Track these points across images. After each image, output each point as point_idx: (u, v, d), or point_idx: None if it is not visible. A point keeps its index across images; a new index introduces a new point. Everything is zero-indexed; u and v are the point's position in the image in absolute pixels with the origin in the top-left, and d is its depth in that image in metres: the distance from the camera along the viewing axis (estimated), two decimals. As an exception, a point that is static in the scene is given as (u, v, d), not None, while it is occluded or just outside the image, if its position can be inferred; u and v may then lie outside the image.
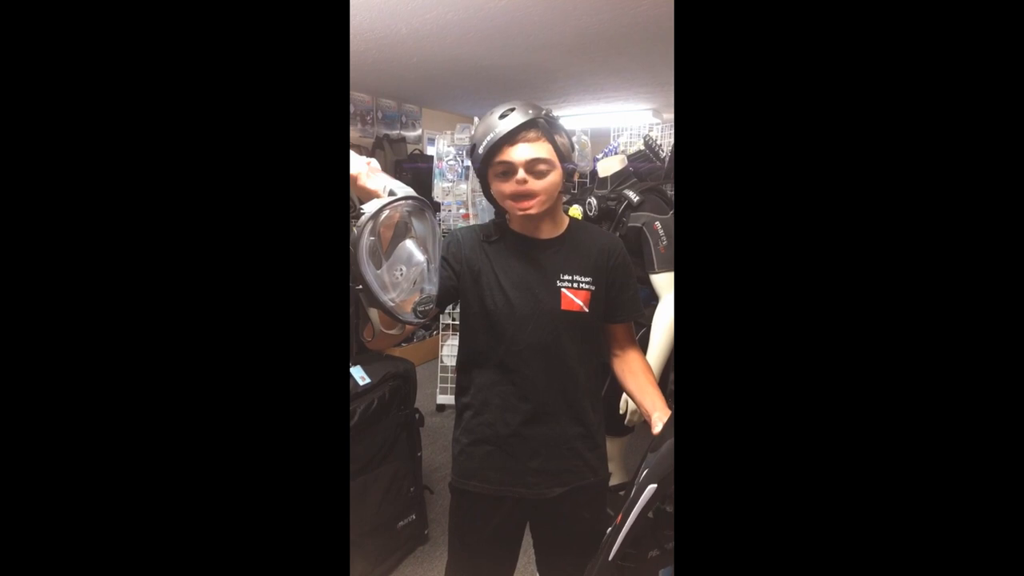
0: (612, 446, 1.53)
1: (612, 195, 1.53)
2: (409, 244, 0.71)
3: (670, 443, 0.69)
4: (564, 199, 1.12)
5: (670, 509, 0.71)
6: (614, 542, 0.71)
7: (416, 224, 0.72)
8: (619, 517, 0.73)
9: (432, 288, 0.74)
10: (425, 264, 0.72)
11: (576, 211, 1.60)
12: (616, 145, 2.33)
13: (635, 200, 1.47)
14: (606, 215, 1.52)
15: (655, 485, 0.67)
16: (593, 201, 1.54)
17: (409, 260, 0.70)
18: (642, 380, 0.95)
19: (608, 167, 1.60)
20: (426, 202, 0.73)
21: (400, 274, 0.70)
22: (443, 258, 0.93)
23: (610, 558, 0.71)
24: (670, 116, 3.72)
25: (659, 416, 0.86)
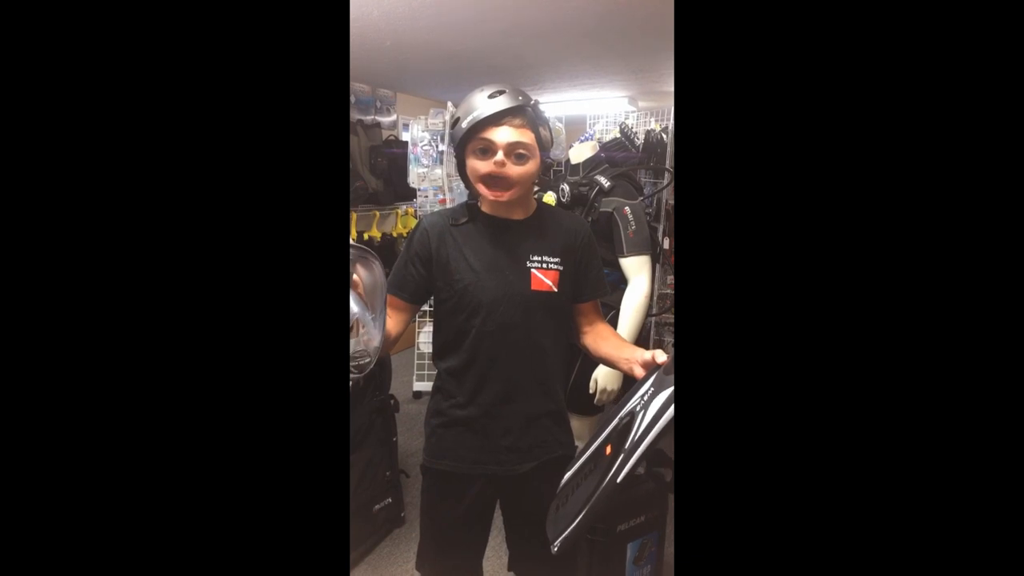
0: (581, 425, 1.56)
1: (584, 181, 1.55)
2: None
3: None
4: (535, 190, 1.13)
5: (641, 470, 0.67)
6: (612, 464, 0.65)
7: (362, 271, 0.72)
8: (608, 448, 0.68)
9: (374, 339, 0.73)
10: (362, 314, 0.71)
11: (550, 197, 1.62)
12: (592, 132, 2.35)
13: (606, 185, 1.49)
14: (578, 200, 1.54)
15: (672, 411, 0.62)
16: (566, 187, 1.56)
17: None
18: (616, 341, 0.96)
19: (580, 154, 1.62)
20: (370, 252, 0.73)
21: None
22: (412, 254, 0.94)
23: (619, 480, 0.63)
24: (646, 104, 3.74)
25: (654, 353, 0.80)
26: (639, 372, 0.81)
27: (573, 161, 1.63)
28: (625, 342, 0.97)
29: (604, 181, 1.50)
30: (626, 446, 0.65)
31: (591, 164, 1.60)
